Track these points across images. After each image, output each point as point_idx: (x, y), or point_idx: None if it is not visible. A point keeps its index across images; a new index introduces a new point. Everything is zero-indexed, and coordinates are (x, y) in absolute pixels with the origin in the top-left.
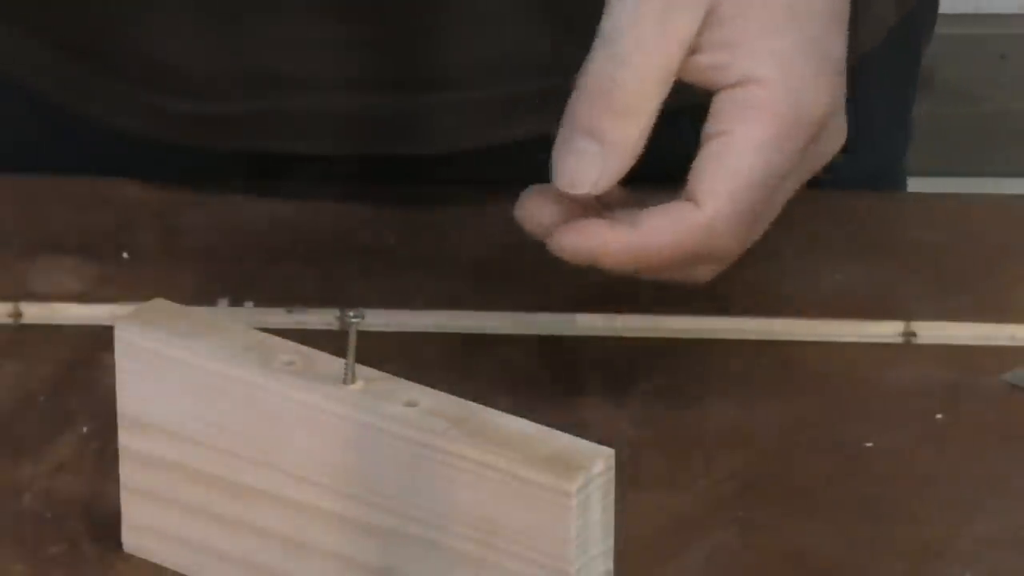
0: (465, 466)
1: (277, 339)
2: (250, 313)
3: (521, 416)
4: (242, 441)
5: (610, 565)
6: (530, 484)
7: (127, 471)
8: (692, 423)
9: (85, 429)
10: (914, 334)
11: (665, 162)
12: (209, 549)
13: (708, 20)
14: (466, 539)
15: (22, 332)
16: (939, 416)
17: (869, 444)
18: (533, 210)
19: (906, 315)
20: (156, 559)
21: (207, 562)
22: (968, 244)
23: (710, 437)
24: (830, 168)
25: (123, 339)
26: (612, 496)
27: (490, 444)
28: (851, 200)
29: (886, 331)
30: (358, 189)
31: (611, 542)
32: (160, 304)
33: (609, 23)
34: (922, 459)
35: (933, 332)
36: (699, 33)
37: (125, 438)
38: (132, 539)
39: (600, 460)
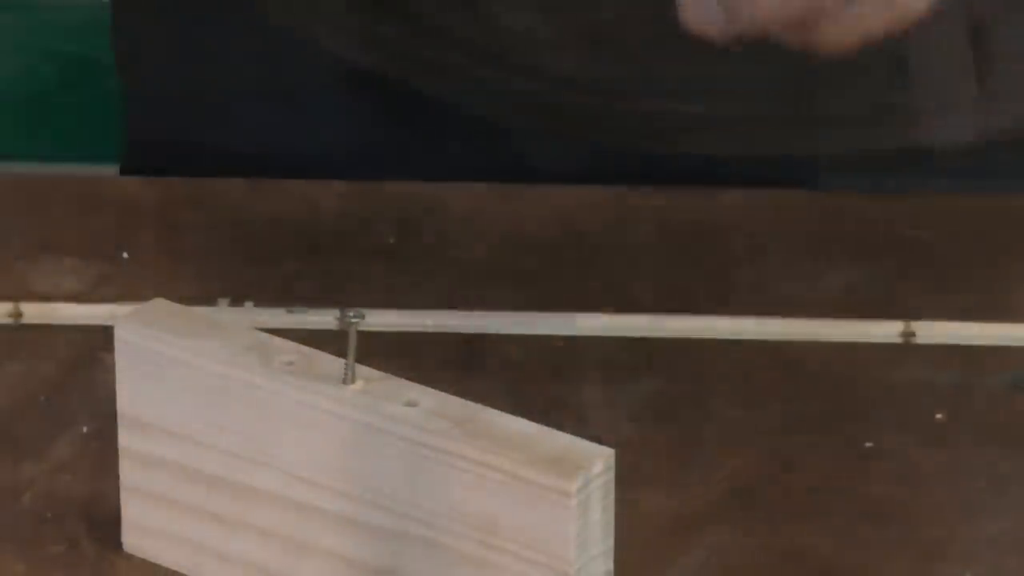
0: (465, 466)
1: (277, 339)
2: (250, 313)
3: (521, 416)
4: (242, 441)
5: (610, 565)
6: (531, 484)
7: (127, 471)
8: (692, 423)
9: (85, 429)
10: (914, 334)
11: None
12: (209, 549)
13: None
14: (466, 539)
15: (22, 332)
16: (939, 416)
17: (869, 444)
18: None
19: (906, 315)
20: (156, 559)
21: (207, 562)
22: (968, 244)
23: (710, 437)
24: None
25: (123, 339)
26: (612, 496)
27: (490, 444)
28: (851, 200)
29: (886, 331)
30: (358, 188)
31: (611, 542)
32: (160, 304)
33: None
34: (922, 459)
35: (933, 332)
36: None
37: (125, 438)
38: (132, 539)
39: (600, 460)
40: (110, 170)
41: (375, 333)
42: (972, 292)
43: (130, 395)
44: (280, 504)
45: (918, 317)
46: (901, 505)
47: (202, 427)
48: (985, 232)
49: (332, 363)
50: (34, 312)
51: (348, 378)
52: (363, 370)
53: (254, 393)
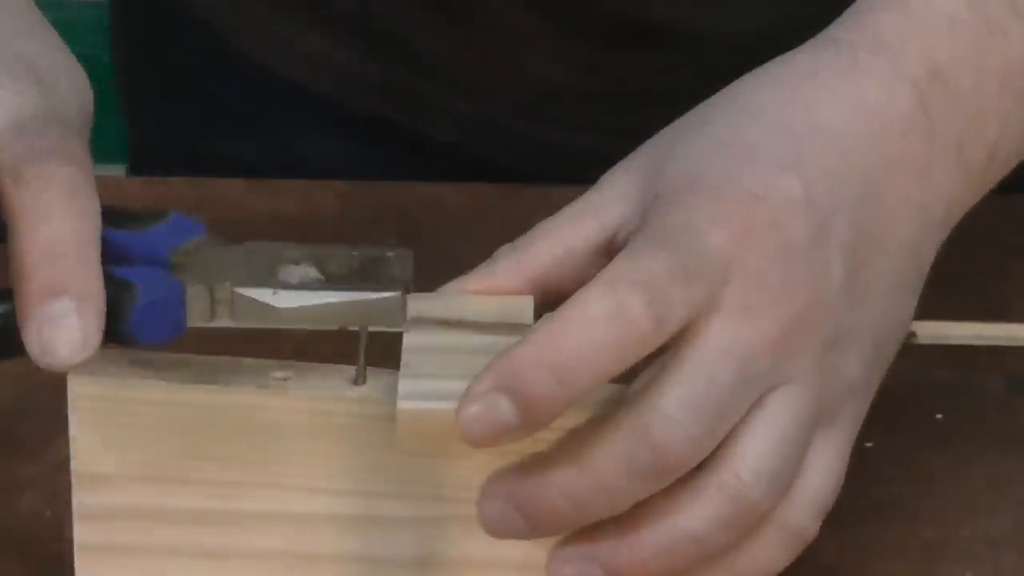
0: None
1: (249, 360)
2: None
3: None
4: (234, 468)
5: None
6: None
7: (86, 533)
8: None
9: None
10: (914, 334)
11: None
12: None
13: None
14: None
15: None
16: (939, 416)
17: (869, 444)
18: None
19: None
20: None
21: None
22: (968, 244)
23: None
24: None
25: (82, 394)
26: None
27: None
28: None
29: None
30: (358, 188)
31: None
32: (109, 353)
33: None
34: (922, 459)
35: (933, 332)
36: None
37: (84, 497)
38: None
39: None
40: (110, 170)
41: (374, 333)
42: (972, 292)
43: (91, 450)
44: (288, 521)
45: (918, 317)
46: (901, 505)
47: (183, 464)
48: (985, 232)
49: (327, 371)
50: None
51: (359, 379)
52: (369, 371)
53: (251, 415)
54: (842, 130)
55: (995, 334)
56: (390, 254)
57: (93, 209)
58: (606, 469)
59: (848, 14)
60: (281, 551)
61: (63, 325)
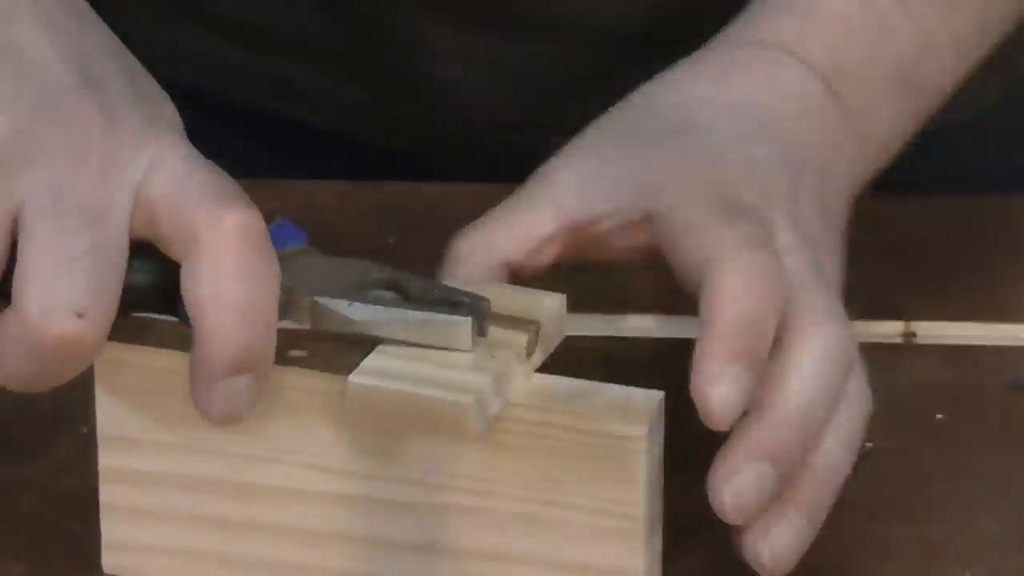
0: (519, 429)
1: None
2: None
3: None
4: (250, 440)
5: (661, 501)
6: (594, 435)
7: (110, 493)
8: (692, 423)
9: (85, 429)
10: (914, 334)
11: None
12: (210, 556)
13: None
14: (517, 500)
15: None
16: (939, 416)
17: (869, 444)
18: None
19: (906, 315)
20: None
21: (206, 569)
22: (968, 244)
23: (710, 437)
24: None
25: (108, 359)
26: (662, 436)
27: (543, 401)
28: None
29: (886, 331)
30: (358, 188)
31: (662, 480)
32: (135, 320)
33: None
34: (922, 459)
35: (933, 332)
36: None
37: (108, 458)
38: (116, 559)
39: (654, 404)
40: None
41: None
42: (972, 292)
43: (114, 415)
44: (297, 497)
45: (918, 317)
46: (901, 505)
47: (199, 433)
48: (985, 232)
49: (343, 350)
50: None
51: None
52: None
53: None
54: (773, 109)
55: (995, 334)
56: (467, 299)
57: (275, 273)
58: None
59: (748, 17)
60: (290, 527)
61: (240, 398)
